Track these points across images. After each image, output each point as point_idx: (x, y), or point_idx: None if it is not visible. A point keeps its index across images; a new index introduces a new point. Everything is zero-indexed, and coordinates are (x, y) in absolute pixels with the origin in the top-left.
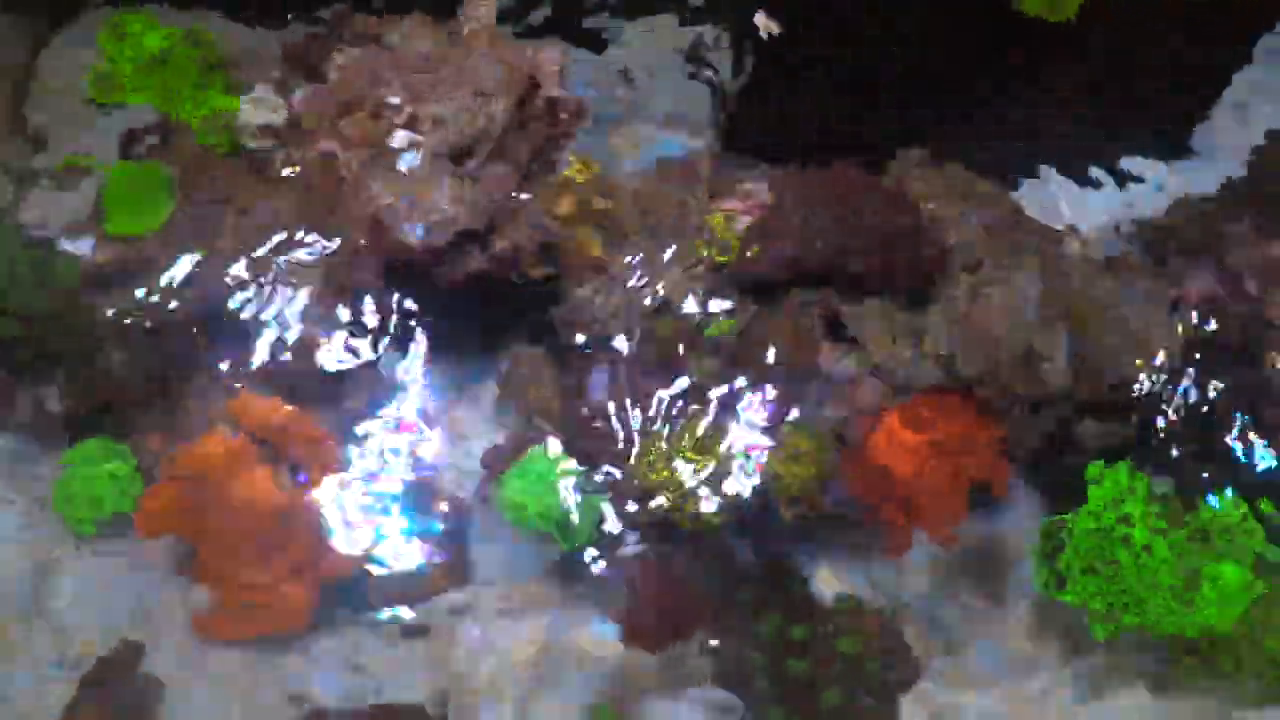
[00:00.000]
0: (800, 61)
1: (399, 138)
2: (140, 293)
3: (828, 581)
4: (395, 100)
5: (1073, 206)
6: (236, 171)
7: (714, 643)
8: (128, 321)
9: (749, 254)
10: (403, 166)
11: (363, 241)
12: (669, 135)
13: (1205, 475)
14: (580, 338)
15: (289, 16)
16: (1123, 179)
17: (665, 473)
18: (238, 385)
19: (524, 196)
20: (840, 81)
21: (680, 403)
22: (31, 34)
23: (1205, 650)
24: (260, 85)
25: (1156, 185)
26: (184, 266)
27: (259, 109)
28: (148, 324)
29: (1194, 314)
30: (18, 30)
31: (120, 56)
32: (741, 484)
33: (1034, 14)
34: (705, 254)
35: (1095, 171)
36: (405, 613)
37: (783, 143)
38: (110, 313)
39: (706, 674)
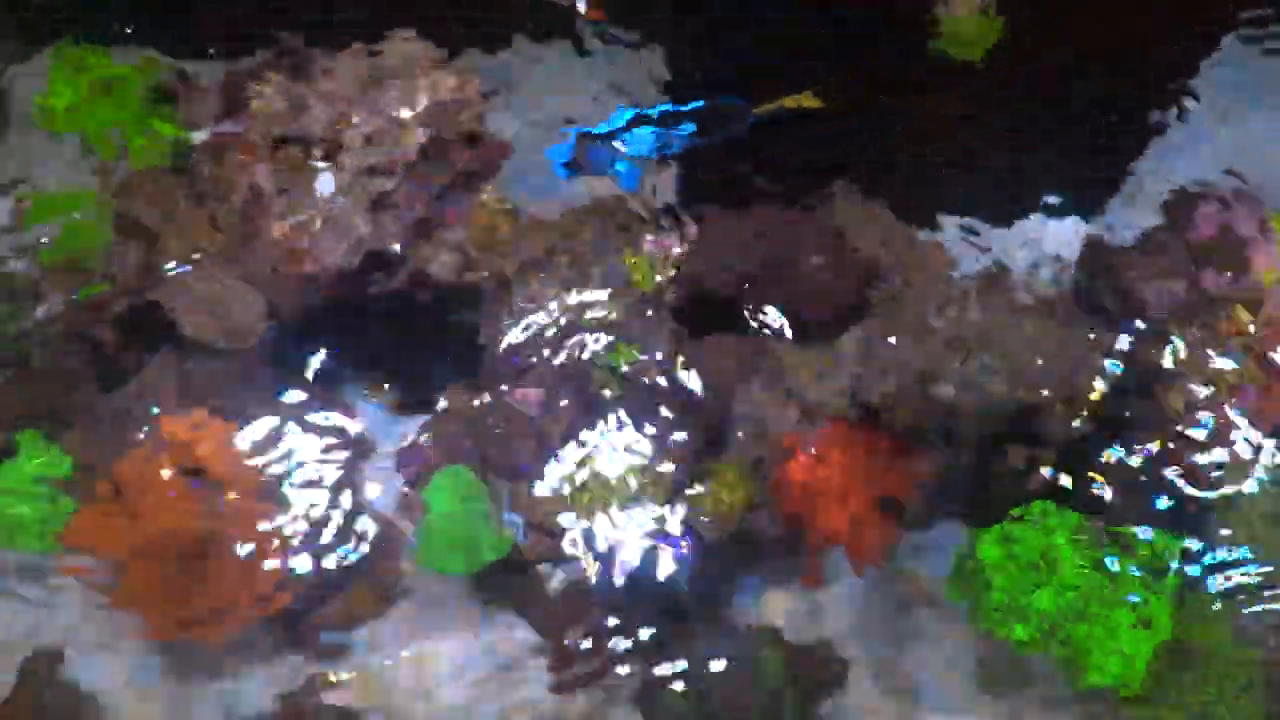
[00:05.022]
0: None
1: (316, 162)
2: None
3: (752, 610)
4: (313, 125)
5: (996, 245)
6: (172, 193)
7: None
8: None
9: (671, 283)
10: (319, 190)
11: (282, 263)
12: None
13: (1122, 508)
14: (501, 363)
15: (210, 52)
16: (1046, 217)
17: (584, 497)
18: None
19: (446, 223)
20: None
21: (600, 427)
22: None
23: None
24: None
25: (1080, 226)
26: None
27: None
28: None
29: (1105, 350)
30: None
31: (65, 86)
32: (661, 510)
33: (955, 54)
34: (627, 283)
35: (1019, 209)
36: (335, 635)
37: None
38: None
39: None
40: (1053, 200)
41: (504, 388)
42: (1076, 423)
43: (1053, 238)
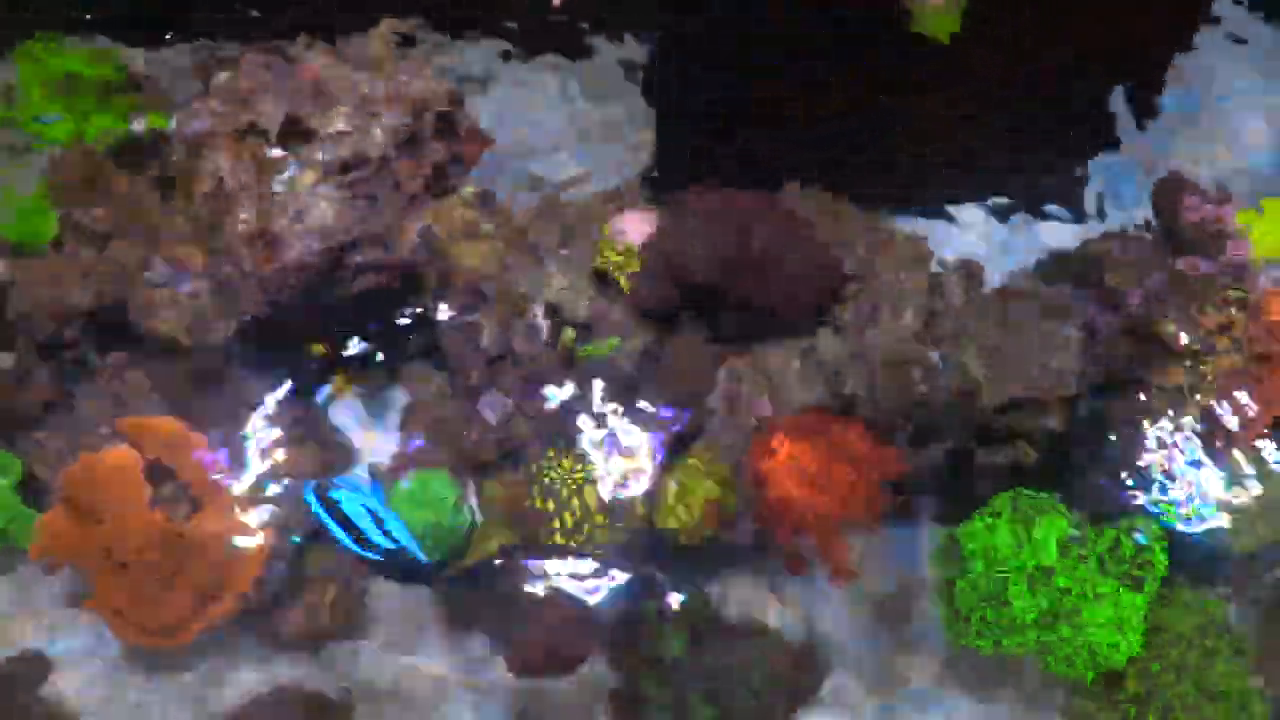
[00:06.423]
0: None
1: (283, 154)
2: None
3: (734, 607)
4: (280, 117)
5: (971, 237)
6: (133, 185)
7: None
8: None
9: (639, 272)
10: (286, 182)
11: (250, 256)
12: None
13: (1102, 499)
14: (471, 356)
15: (168, 36)
16: (1025, 211)
17: (558, 491)
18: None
19: (416, 214)
20: (739, 111)
21: (573, 423)
22: None
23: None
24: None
25: (1058, 218)
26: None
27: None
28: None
29: (1084, 340)
30: None
31: (29, 79)
32: (636, 506)
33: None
34: (598, 274)
35: (997, 203)
36: (306, 645)
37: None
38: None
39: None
40: (1038, 194)
41: (472, 384)
42: (1056, 416)
43: (1035, 229)
